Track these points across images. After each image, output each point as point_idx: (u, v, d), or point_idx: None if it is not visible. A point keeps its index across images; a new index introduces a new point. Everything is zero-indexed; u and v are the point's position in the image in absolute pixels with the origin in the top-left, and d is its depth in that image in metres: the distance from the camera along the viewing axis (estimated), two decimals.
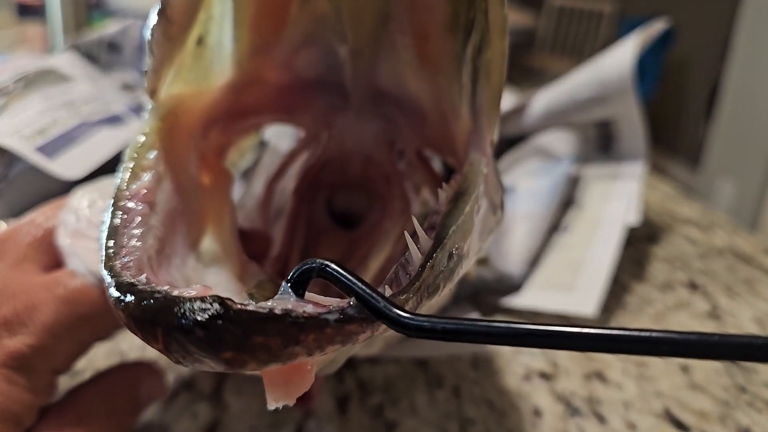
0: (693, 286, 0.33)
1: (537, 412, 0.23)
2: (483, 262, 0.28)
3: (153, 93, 0.16)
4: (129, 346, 0.25)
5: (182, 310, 0.10)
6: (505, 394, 0.24)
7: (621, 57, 0.35)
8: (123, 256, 0.12)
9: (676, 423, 0.23)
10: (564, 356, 0.27)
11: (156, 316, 0.10)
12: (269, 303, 0.11)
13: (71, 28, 0.64)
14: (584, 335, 0.10)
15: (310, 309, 0.11)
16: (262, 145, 0.33)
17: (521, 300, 0.29)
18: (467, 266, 0.15)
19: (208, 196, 0.18)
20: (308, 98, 0.21)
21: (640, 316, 0.30)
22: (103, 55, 0.38)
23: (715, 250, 0.37)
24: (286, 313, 0.10)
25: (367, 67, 0.20)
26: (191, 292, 0.11)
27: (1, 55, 0.60)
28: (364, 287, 0.11)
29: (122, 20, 0.41)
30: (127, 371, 0.19)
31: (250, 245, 0.20)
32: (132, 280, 0.11)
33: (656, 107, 2.24)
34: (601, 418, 0.23)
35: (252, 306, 0.10)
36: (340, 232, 0.25)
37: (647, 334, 0.09)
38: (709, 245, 0.38)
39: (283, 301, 0.11)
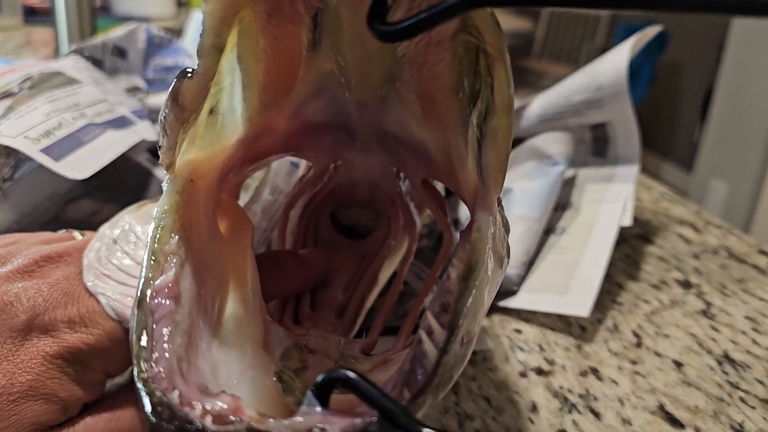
0: (687, 285, 0.34)
1: (534, 408, 0.24)
2: None
3: (169, 166, 0.16)
4: None
5: None
6: (503, 390, 0.25)
7: (616, 62, 0.36)
8: (154, 364, 0.13)
9: (671, 419, 0.24)
10: (560, 353, 0.27)
11: None
12: (298, 420, 0.11)
13: (78, 33, 0.64)
14: None
15: (336, 430, 0.11)
16: None
17: (516, 302, 0.30)
18: (476, 340, 0.15)
19: (230, 252, 0.18)
20: (316, 138, 0.21)
21: (635, 314, 0.31)
22: (108, 59, 0.38)
23: (709, 249, 0.38)
24: None
25: (374, 116, 0.20)
26: (223, 406, 0.12)
27: (8, 58, 0.60)
28: (385, 401, 0.12)
29: (128, 25, 0.42)
30: None
31: (304, 272, 0.21)
32: (166, 400, 0.12)
33: (650, 110, 2.26)
34: (596, 414, 0.24)
35: None
36: (346, 244, 0.25)
37: None
38: (703, 244, 0.38)
39: (310, 417, 0.12)
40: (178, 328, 0.14)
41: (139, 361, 0.13)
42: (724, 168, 1.59)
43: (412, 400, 0.12)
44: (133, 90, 0.38)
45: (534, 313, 0.30)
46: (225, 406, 0.12)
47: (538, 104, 0.40)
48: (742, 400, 0.25)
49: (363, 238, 0.26)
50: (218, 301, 0.16)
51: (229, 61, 0.16)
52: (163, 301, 0.14)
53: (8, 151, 0.27)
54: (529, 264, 0.32)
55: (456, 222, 0.36)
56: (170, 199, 0.16)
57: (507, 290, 0.31)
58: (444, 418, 0.23)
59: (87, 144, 0.28)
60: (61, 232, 0.21)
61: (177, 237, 0.15)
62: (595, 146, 0.39)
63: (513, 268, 0.31)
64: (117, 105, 0.33)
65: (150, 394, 0.12)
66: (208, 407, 0.12)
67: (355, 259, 0.24)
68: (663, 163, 2.31)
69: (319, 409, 0.12)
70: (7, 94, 0.30)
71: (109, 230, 0.20)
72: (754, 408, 0.24)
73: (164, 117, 0.16)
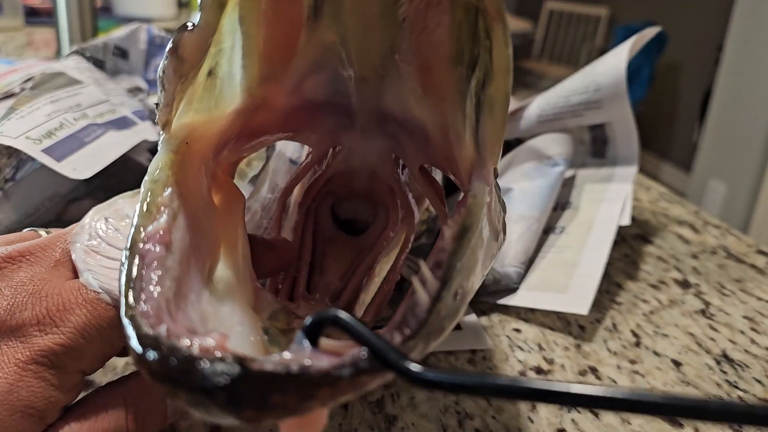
0: (686, 285, 0.34)
1: (533, 407, 0.24)
2: None
3: (165, 125, 0.16)
4: None
5: (204, 373, 0.11)
6: None
7: (615, 63, 0.36)
8: (142, 302, 0.12)
9: (670, 418, 0.24)
10: (559, 353, 0.27)
11: (179, 377, 0.11)
12: (286, 356, 0.11)
13: (79, 33, 0.64)
14: (588, 396, 0.10)
15: (324, 364, 0.11)
16: (268, 148, 0.33)
17: (516, 300, 0.30)
18: (470, 298, 0.15)
19: (221, 221, 0.18)
20: (315, 118, 0.21)
21: (634, 314, 0.31)
22: (109, 60, 0.38)
23: (707, 249, 0.38)
24: (302, 371, 0.11)
25: (373, 93, 0.20)
26: (211, 342, 0.12)
27: (10, 59, 0.61)
28: (375, 339, 0.11)
29: (129, 26, 0.42)
30: None
31: (273, 256, 0.21)
32: (153, 333, 0.12)
33: (649, 111, 2.26)
34: (595, 413, 0.24)
35: (270, 365, 0.11)
36: (345, 239, 0.25)
37: (649, 396, 0.10)
38: (701, 244, 0.39)
39: (299, 353, 0.12)
40: (167, 274, 0.13)
41: (127, 299, 0.13)
42: (723, 168, 1.60)
43: (402, 343, 0.12)
44: (134, 90, 0.39)
45: (533, 312, 0.30)
46: (212, 342, 0.12)
47: (538, 105, 0.40)
48: (740, 399, 0.25)
49: (362, 234, 0.26)
50: (208, 265, 0.16)
51: (230, 20, 0.16)
52: (154, 247, 0.14)
53: (10, 152, 0.27)
54: (529, 263, 0.32)
55: None
56: (165, 157, 0.15)
57: (507, 288, 0.31)
58: (444, 417, 0.23)
59: (88, 144, 0.28)
60: (26, 231, 0.21)
61: (170, 189, 0.15)
62: (594, 147, 0.39)
63: (513, 266, 0.31)
64: (118, 105, 0.33)
65: (136, 328, 0.12)
66: (195, 342, 0.12)
67: (351, 251, 0.25)
68: (662, 164, 2.31)
69: (308, 347, 0.12)
70: (9, 95, 0.31)
71: (100, 211, 0.20)
72: None
73: (163, 71, 0.15)
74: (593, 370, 0.26)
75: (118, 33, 0.41)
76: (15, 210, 0.28)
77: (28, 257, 0.18)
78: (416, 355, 0.13)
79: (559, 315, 0.30)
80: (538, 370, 0.26)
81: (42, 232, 0.20)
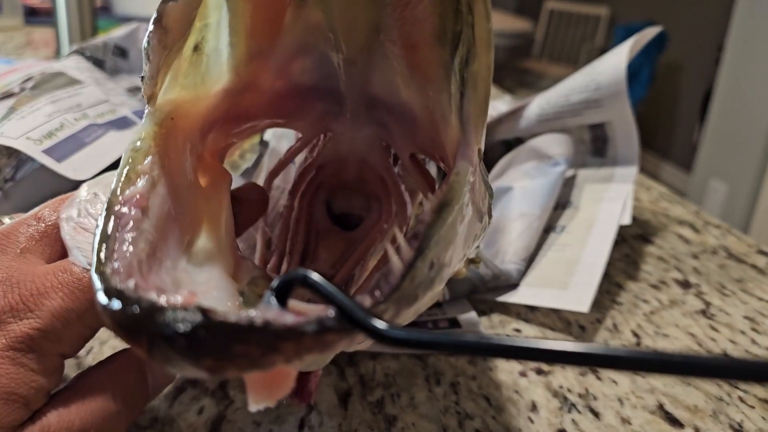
0: (686, 285, 0.34)
1: (533, 407, 0.24)
2: (475, 261, 0.29)
3: (150, 98, 0.16)
4: None
5: (165, 320, 0.11)
6: (502, 389, 0.25)
7: (615, 62, 0.36)
8: (114, 261, 0.13)
9: (670, 418, 0.24)
10: None
11: (140, 323, 0.11)
12: (252, 312, 0.11)
13: (78, 33, 0.64)
14: (554, 351, 0.10)
15: (289, 319, 0.11)
16: (263, 144, 0.33)
17: (517, 297, 0.30)
18: (449, 274, 0.15)
19: (205, 197, 0.18)
20: (304, 104, 0.21)
21: (634, 314, 0.31)
22: (109, 59, 0.38)
23: (708, 249, 0.38)
24: (266, 324, 0.11)
25: (360, 75, 0.20)
26: (178, 299, 0.11)
27: (9, 59, 0.60)
28: (343, 298, 0.11)
29: (129, 25, 0.42)
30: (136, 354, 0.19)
31: (241, 209, 0.20)
32: (120, 286, 0.12)
33: (649, 111, 2.26)
34: (596, 413, 0.24)
35: (233, 317, 0.11)
36: (338, 232, 0.25)
37: (616, 352, 0.10)
38: (702, 245, 0.39)
39: (266, 311, 0.11)
40: (142, 236, 0.14)
41: (99, 256, 0.13)
42: (723, 168, 1.60)
43: (373, 305, 0.12)
44: (134, 90, 0.39)
45: (534, 312, 0.30)
46: (180, 299, 0.12)
47: (538, 104, 0.40)
48: (741, 399, 0.25)
49: (356, 228, 0.26)
50: (188, 238, 0.16)
51: None
52: (130, 210, 0.14)
53: (10, 152, 0.27)
54: (530, 260, 0.32)
55: None
56: (148, 128, 0.16)
57: (508, 285, 0.31)
58: (444, 417, 0.23)
59: (89, 145, 0.28)
60: None
61: (151, 158, 0.15)
62: (594, 146, 0.39)
63: (513, 263, 0.31)
64: (119, 105, 0.33)
65: (105, 282, 0.12)
66: (162, 297, 0.12)
67: (344, 243, 0.25)
68: (662, 164, 2.31)
69: (276, 306, 0.12)
70: (9, 95, 0.31)
71: (90, 187, 0.20)
72: (753, 407, 0.24)
73: (148, 42, 0.16)
74: (593, 370, 0.26)
75: (117, 32, 0.41)
76: (15, 210, 0.28)
77: None
78: (387, 320, 0.13)
79: (559, 315, 0.30)
80: (539, 371, 0.26)
81: (6, 219, 0.20)
